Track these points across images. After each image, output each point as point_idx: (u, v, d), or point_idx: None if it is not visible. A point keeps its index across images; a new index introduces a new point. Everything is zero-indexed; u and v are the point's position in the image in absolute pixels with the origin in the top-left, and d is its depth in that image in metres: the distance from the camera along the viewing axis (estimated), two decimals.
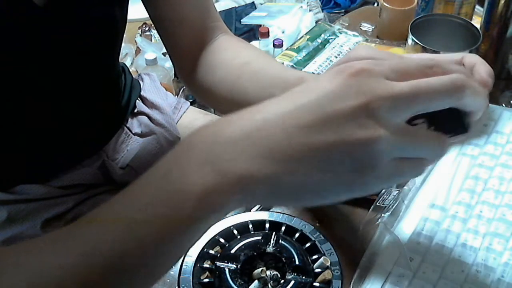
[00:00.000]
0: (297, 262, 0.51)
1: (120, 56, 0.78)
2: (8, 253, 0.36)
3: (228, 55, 0.65)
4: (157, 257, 0.35)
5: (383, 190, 0.58)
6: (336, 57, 0.84)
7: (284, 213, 0.56)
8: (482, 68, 0.50)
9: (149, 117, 0.83)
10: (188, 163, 0.34)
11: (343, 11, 1.94)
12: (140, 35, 1.86)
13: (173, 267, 0.52)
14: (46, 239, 0.36)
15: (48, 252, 0.35)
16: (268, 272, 0.50)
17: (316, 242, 0.53)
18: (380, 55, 0.47)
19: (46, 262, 0.34)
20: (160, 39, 0.68)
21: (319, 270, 0.51)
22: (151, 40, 1.85)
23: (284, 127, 0.33)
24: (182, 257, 0.52)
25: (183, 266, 0.51)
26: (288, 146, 0.32)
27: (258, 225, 0.55)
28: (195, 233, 0.36)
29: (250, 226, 0.55)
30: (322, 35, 0.88)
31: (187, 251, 0.52)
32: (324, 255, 0.52)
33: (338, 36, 0.88)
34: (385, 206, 0.56)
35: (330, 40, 0.87)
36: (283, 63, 0.82)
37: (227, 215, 0.57)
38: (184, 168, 0.34)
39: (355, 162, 0.33)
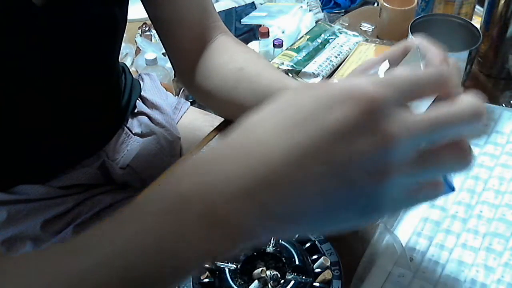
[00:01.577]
0: (297, 262, 0.51)
1: (120, 56, 0.78)
2: (13, 265, 0.35)
3: (223, 59, 0.65)
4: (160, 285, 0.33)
5: None
6: (336, 57, 0.84)
7: None
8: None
9: (149, 117, 0.83)
10: (185, 226, 0.31)
11: (343, 11, 1.94)
12: (140, 35, 1.87)
13: None
14: (49, 257, 0.34)
15: (45, 275, 0.33)
16: (268, 272, 0.50)
17: (316, 242, 0.53)
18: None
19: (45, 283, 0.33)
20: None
21: (319, 270, 0.51)
22: (151, 40, 1.85)
23: (290, 179, 0.30)
24: None
25: None
26: (296, 197, 0.30)
27: None
28: (187, 276, 0.35)
29: None
30: (322, 35, 0.88)
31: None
32: (324, 255, 0.52)
33: (338, 36, 0.88)
34: None
35: (330, 40, 0.87)
36: (283, 63, 0.82)
37: None
38: (182, 230, 0.31)
39: (364, 205, 0.31)
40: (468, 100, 0.32)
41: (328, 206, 0.31)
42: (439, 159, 0.32)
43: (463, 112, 0.32)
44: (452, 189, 0.38)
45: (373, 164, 0.30)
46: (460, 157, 0.33)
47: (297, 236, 0.54)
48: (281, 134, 0.30)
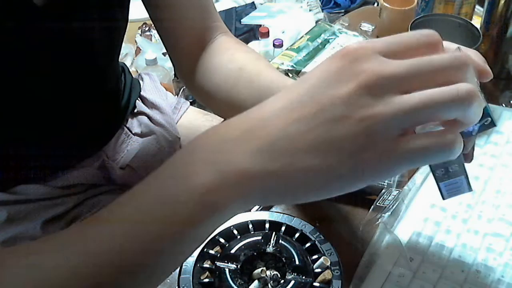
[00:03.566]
0: (297, 262, 0.51)
1: (120, 56, 0.78)
2: (13, 255, 0.36)
3: (224, 58, 0.65)
4: (160, 259, 0.35)
5: (383, 190, 0.58)
6: None
7: (284, 213, 0.56)
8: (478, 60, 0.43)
9: (149, 117, 0.83)
10: (191, 165, 0.34)
11: (343, 11, 1.94)
12: (140, 35, 1.87)
13: None
14: (50, 240, 0.36)
15: (53, 253, 0.35)
16: (268, 272, 0.50)
17: (316, 242, 0.53)
18: None
19: (51, 263, 0.34)
20: (160, 39, 0.68)
21: (319, 270, 0.51)
22: (151, 40, 1.85)
23: (279, 122, 0.33)
24: None
25: (183, 266, 0.51)
26: (285, 140, 0.32)
27: (258, 225, 0.55)
28: (197, 236, 0.36)
29: (250, 226, 0.55)
30: (322, 35, 0.88)
31: (190, 254, 0.52)
32: (324, 255, 0.52)
33: (338, 36, 0.88)
34: (385, 206, 0.56)
35: (330, 40, 0.87)
36: (283, 63, 0.82)
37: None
38: (188, 170, 0.34)
39: (354, 147, 0.31)
40: (456, 52, 0.34)
41: (323, 152, 0.32)
42: (428, 95, 0.32)
43: (449, 59, 0.33)
44: (469, 188, 0.38)
45: (358, 102, 0.31)
46: (452, 94, 0.32)
47: (297, 236, 0.54)
48: (278, 96, 0.35)
